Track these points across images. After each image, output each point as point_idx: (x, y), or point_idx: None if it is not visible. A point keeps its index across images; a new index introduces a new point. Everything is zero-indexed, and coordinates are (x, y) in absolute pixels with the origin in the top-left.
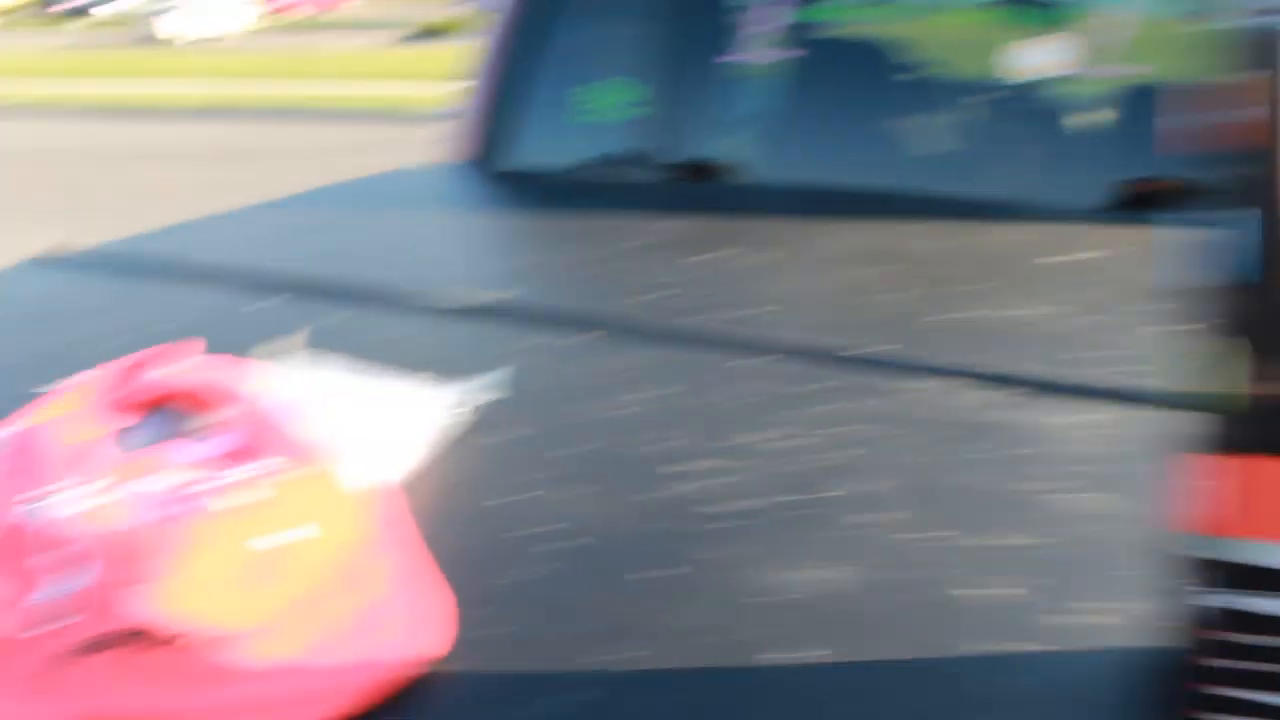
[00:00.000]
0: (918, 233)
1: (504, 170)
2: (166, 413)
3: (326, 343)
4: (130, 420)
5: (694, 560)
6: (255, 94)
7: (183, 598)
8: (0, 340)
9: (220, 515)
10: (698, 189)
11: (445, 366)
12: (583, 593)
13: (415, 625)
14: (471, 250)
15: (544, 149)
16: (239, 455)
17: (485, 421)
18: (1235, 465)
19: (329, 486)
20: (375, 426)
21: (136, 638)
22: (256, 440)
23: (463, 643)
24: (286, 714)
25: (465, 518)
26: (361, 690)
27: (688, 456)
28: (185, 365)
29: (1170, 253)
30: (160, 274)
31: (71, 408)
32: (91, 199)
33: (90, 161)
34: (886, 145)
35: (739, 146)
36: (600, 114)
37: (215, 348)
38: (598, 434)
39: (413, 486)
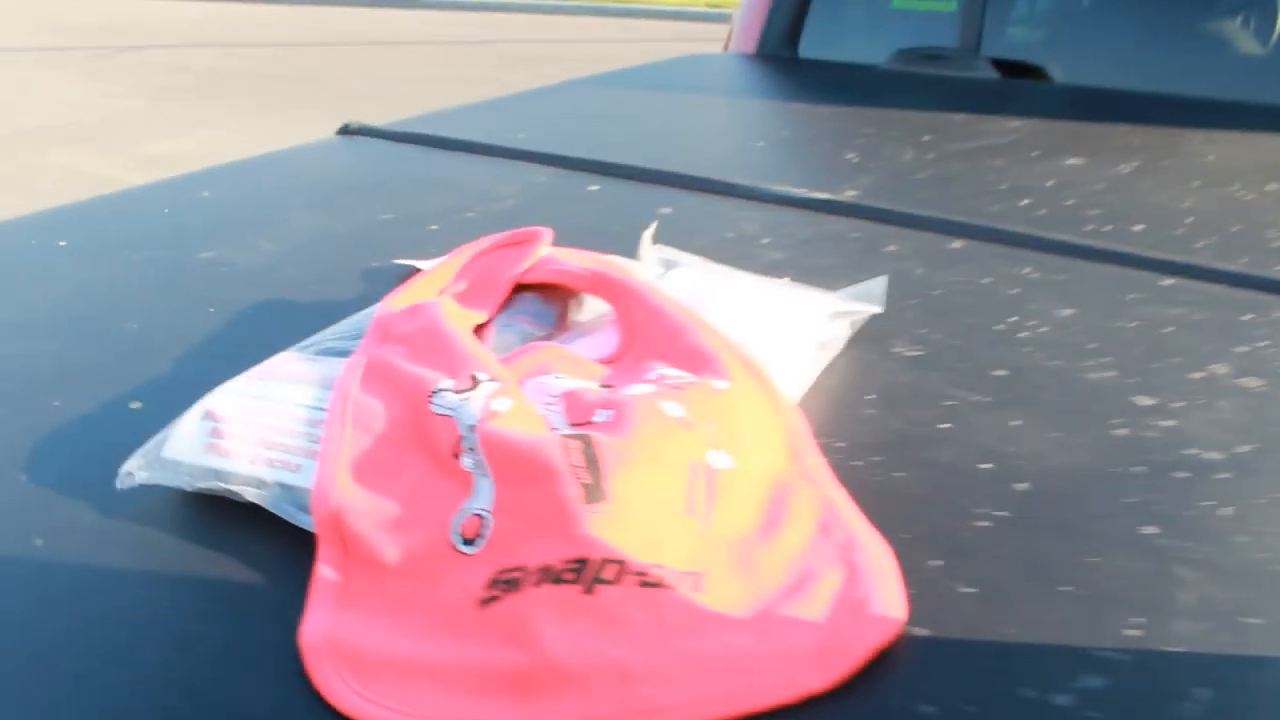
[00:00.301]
0: None
1: (801, 59)
2: (537, 302)
3: (663, 236)
4: (497, 309)
5: (1186, 516)
6: None
7: (627, 526)
8: (334, 209)
9: (651, 430)
10: (1016, 88)
11: (805, 268)
12: (1054, 548)
13: (866, 579)
14: (788, 142)
15: (840, 38)
16: (631, 360)
17: (874, 333)
18: None
19: (745, 406)
20: (761, 334)
21: (583, 570)
22: (647, 344)
23: (916, 607)
24: (760, 679)
25: (878, 447)
26: (829, 657)
27: (1132, 390)
28: (545, 253)
29: None
30: (470, 150)
31: (438, 289)
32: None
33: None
34: (1234, 50)
35: (1065, 44)
36: (904, 2)
37: (559, 236)
38: (1011, 356)
39: (806, 412)
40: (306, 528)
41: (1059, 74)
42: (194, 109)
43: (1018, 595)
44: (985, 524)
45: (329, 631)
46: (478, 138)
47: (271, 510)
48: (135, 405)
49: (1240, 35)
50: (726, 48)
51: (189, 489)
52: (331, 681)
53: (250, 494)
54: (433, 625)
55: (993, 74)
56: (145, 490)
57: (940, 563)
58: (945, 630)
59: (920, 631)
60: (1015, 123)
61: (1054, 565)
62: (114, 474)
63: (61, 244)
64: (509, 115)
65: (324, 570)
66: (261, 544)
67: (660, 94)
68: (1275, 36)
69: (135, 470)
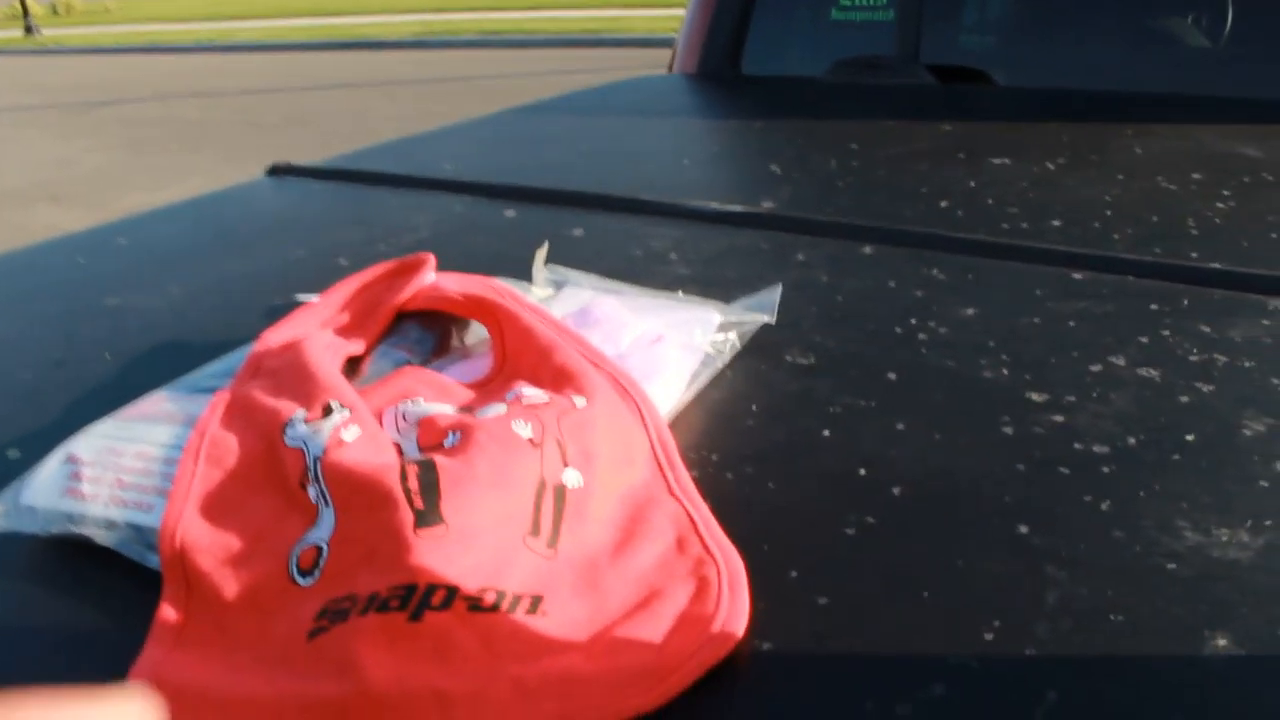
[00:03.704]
0: (1229, 137)
1: (743, 76)
2: (419, 330)
3: (572, 256)
4: (377, 338)
5: (1062, 513)
6: (469, 22)
7: (462, 550)
8: (249, 250)
9: (495, 451)
10: (952, 93)
11: (709, 281)
12: (919, 553)
13: (712, 594)
14: (715, 158)
15: (782, 53)
16: (499, 382)
17: (768, 343)
18: None
19: (604, 423)
20: (642, 349)
21: (410, 597)
22: (517, 364)
23: (766, 619)
24: (588, 700)
25: (753, 459)
26: (661, 674)
27: (1025, 386)
28: (426, 279)
29: None
30: (394, 185)
31: (321, 321)
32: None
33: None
34: (1161, 45)
35: (997, 48)
36: (843, 14)
37: (454, 260)
38: (905, 358)
39: (683, 424)
40: (156, 568)
41: (1000, 77)
42: (179, 160)
43: (873, 603)
44: (851, 531)
45: (157, 671)
46: (404, 170)
47: (121, 552)
48: (14, 454)
49: (1178, 29)
50: (671, 69)
51: (44, 534)
52: None
53: (100, 536)
54: (261, 659)
55: (930, 80)
56: (7, 539)
57: (797, 574)
58: (791, 643)
59: (764, 645)
60: (947, 126)
61: (916, 571)
62: None
63: None
64: (440, 146)
65: (165, 610)
66: (113, 589)
67: (596, 118)
68: (1225, 31)
69: None
